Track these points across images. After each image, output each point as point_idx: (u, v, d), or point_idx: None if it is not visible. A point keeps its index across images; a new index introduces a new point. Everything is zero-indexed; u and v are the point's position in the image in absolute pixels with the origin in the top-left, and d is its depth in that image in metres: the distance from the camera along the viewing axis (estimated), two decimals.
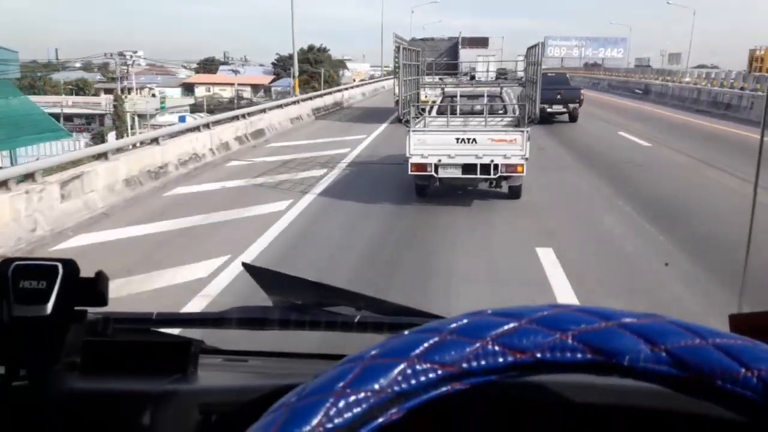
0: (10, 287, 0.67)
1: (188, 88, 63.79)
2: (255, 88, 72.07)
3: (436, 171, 7.65)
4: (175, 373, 0.75)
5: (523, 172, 7.56)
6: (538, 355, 0.36)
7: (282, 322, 0.92)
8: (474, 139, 7.64)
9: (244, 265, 1.03)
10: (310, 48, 63.76)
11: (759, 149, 1.57)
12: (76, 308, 0.69)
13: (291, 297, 0.98)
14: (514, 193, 7.94)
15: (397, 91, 11.59)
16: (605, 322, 0.36)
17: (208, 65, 78.85)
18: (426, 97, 13.16)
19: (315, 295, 0.98)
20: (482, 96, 9.99)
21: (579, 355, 0.36)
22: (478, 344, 0.36)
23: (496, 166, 7.50)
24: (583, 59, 66.62)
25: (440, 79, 13.67)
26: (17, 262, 0.68)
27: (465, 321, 0.37)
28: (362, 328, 0.88)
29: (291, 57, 62.29)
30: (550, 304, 0.38)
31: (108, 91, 58.37)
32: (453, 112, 9.11)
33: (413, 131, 7.67)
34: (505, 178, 7.61)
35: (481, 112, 9.38)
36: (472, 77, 17.43)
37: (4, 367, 0.67)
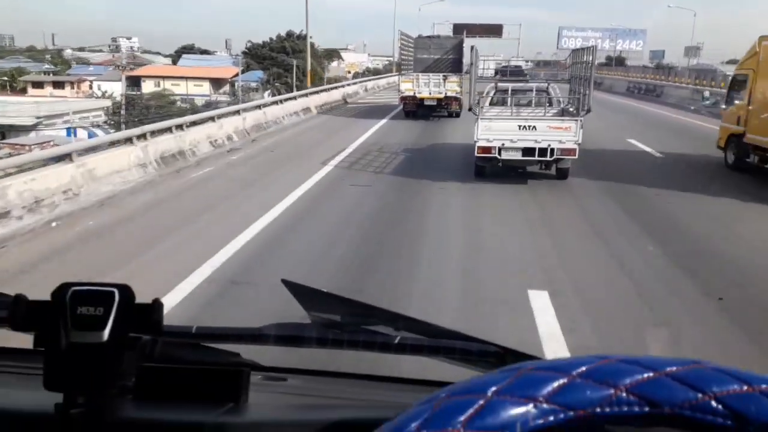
0: (68, 313, 0.70)
1: (135, 83, 58.60)
2: (216, 82, 62.27)
3: (500, 153, 9.27)
4: (227, 402, 0.79)
5: (576, 155, 9.06)
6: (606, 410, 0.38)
7: (320, 340, 0.92)
8: (534, 126, 9.18)
9: (284, 281, 1.00)
10: (289, 35, 56.80)
11: None
12: (131, 335, 0.72)
13: (329, 314, 0.98)
14: (563, 174, 9.56)
15: (401, 87, 19.64)
16: (653, 372, 0.38)
17: (188, 53, 71.22)
18: (404, 90, 19.52)
19: (353, 313, 0.99)
20: (530, 90, 11.76)
21: (636, 409, 0.38)
22: (611, 391, 0.38)
23: (552, 150, 9.01)
24: (600, 52, 62.65)
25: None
26: (75, 288, 0.71)
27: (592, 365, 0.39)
28: (401, 350, 0.87)
29: (265, 45, 54.39)
30: (594, 356, 0.40)
31: (37, 84, 54.23)
32: (505, 104, 11.27)
33: (482, 119, 9.36)
34: (558, 160, 9.21)
35: (528, 104, 11.15)
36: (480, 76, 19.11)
37: (62, 395, 0.70)
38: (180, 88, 58.42)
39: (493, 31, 60.79)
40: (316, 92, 22.83)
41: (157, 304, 0.72)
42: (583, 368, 0.39)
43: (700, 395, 0.37)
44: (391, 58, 64.31)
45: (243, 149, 13.32)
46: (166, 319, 0.73)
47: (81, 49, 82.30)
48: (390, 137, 14.98)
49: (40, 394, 0.71)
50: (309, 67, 24.99)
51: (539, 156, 9.25)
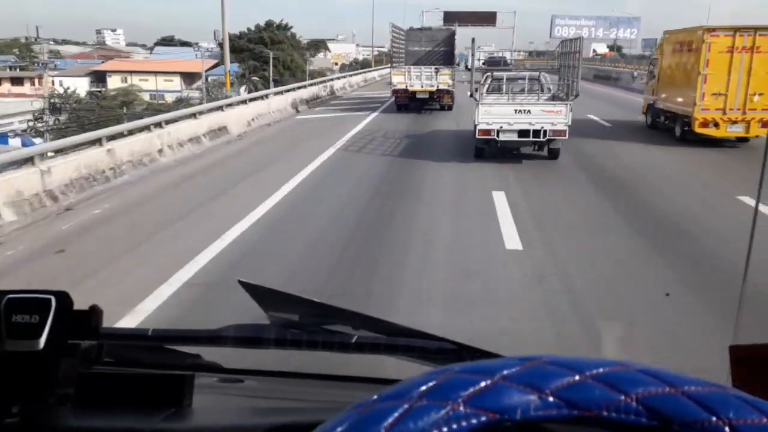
0: (2, 321, 0.70)
1: (100, 78, 55.42)
2: (188, 77, 57.07)
3: (498, 135, 10.47)
4: (170, 407, 0.79)
5: (566, 136, 10.44)
6: (605, 414, 0.38)
7: (278, 341, 0.95)
8: (529, 110, 10.38)
9: (241, 282, 1.01)
10: (268, 25, 53.28)
11: (761, 171, 1.63)
12: (69, 342, 0.73)
13: (288, 314, 1.01)
14: (554, 155, 10.88)
15: (393, 80, 19.66)
16: (670, 388, 0.39)
17: (168, 45, 67.71)
18: (395, 83, 19.51)
19: (312, 313, 1.01)
20: (524, 79, 13.30)
21: (643, 420, 0.38)
22: (534, 396, 0.39)
23: (545, 132, 10.25)
24: (593, 40, 61.64)
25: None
26: (9, 295, 0.71)
27: (517, 368, 0.40)
28: (359, 349, 0.91)
29: (242, 36, 49.81)
30: (612, 360, 0.41)
31: None
32: (500, 90, 12.67)
33: (482, 104, 10.58)
34: (550, 141, 10.52)
35: (521, 91, 12.65)
36: (467, 68, 22.81)
37: None
38: (149, 84, 54.75)
39: (487, 19, 59.14)
40: (280, 92, 20.75)
41: (95, 310, 0.73)
42: (597, 370, 0.40)
43: (622, 397, 0.38)
44: (381, 48, 61.93)
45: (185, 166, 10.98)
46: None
47: (65, 42, 79.83)
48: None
49: None
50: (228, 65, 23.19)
51: (533, 137, 10.43)
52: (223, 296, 4.58)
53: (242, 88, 51.81)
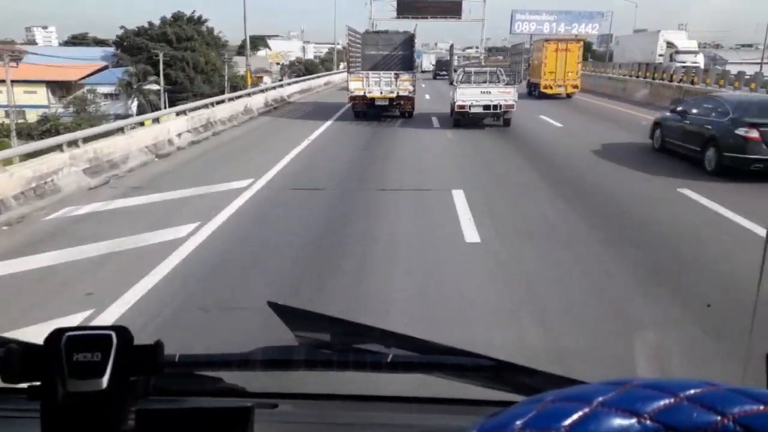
0: (63, 361, 0.70)
1: None
2: (60, 86, 46.14)
3: (470, 109, 17.25)
4: None
5: (514, 109, 17.32)
6: None
7: (308, 363, 0.95)
8: (489, 92, 17.36)
9: (270, 304, 1.04)
10: (176, 18, 43.74)
11: None
12: (131, 378, 0.73)
13: (318, 334, 1.02)
14: (507, 123, 17.72)
15: (350, 86, 19.36)
16: (764, 406, 0.40)
17: (80, 44, 57.21)
18: (353, 89, 19.62)
19: (343, 332, 1.04)
20: (485, 72, 19.74)
21: None
22: (633, 420, 0.40)
23: (501, 106, 17.09)
24: (555, 36, 58.75)
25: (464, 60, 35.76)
26: (69, 333, 0.71)
27: (612, 393, 0.42)
28: (393, 368, 0.92)
29: (141, 32, 38.35)
30: (702, 381, 0.43)
31: None
32: (470, 80, 18.97)
33: (459, 87, 17.57)
34: (504, 113, 17.48)
35: (483, 81, 18.88)
36: (424, 71, 34.53)
37: None
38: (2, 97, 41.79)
39: (450, 10, 51.63)
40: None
41: (158, 345, 0.75)
42: (690, 391, 0.41)
43: (719, 417, 0.40)
44: (334, 45, 55.00)
45: None
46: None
47: None
48: None
49: None
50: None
51: (493, 110, 17.25)
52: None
53: (131, 102, 41.52)
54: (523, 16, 66.59)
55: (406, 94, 19.37)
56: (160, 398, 0.89)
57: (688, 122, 11.73)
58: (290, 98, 27.04)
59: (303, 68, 52.28)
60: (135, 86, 40.62)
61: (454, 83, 18.20)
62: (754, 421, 0.38)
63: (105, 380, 0.68)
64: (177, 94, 40.07)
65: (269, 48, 69.68)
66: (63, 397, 0.68)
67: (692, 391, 0.40)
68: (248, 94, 22.14)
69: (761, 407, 0.39)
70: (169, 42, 41.60)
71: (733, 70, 27.24)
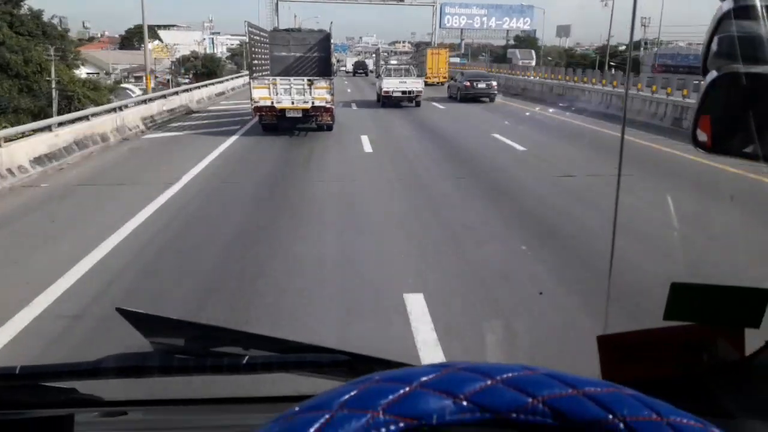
0: None
1: None
2: None
3: (392, 94, 25.80)
4: None
5: (422, 95, 26.26)
6: (513, 416, 0.42)
7: (163, 369, 0.92)
8: (405, 82, 25.96)
9: (118, 309, 0.99)
10: None
11: (619, 162, 1.88)
12: None
13: (172, 340, 0.98)
14: (418, 104, 26.24)
15: (253, 94, 15.39)
16: (572, 390, 0.43)
17: None
18: (257, 98, 15.52)
19: (198, 336, 0.99)
20: (401, 69, 27.73)
21: (549, 420, 0.42)
22: (449, 401, 0.42)
23: (413, 92, 25.82)
24: (486, 30, 56.45)
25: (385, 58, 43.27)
26: None
27: (434, 374, 0.44)
28: (251, 369, 0.90)
29: None
30: (521, 365, 0.45)
31: None
32: (391, 74, 26.69)
33: (384, 79, 25.91)
34: (416, 97, 25.94)
35: (401, 75, 26.69)
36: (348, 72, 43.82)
37: None
38: None
39: None
40: None
41: None
42: (506, 375, 0.43)
43: (530, 399, 0.42)
44: (246, 38, 47.07)
45: None
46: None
47: None
48: None
49: None
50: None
51: (408, 95, 25.54)
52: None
53: None
54: (453, 9, 64.09)
55: (322, 104, 15.68)
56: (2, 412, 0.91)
57: (454, 82, 30.98)
58: (174, 112, 20.19)
59: (200, 65, 42.52)
60: None
61: (381, 76, 26.66)
62: (561, 403, 0.41)
63: None
64: None
65: (160, 40, 55.47)
66: None
67: (508, 375, 0.42)
68: (116, 109, 15.54)
69: (569, 390, 0.41)
70: None
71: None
